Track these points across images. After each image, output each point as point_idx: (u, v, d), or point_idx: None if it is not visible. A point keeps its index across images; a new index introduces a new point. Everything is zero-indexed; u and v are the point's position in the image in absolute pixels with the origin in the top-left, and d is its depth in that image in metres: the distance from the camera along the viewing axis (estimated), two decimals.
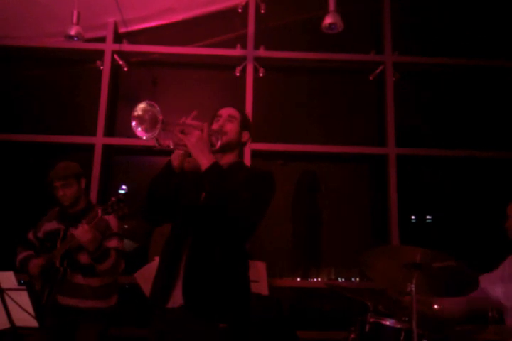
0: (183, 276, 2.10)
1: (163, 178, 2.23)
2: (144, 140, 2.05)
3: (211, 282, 2.09)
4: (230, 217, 2.05)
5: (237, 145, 2.40)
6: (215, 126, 2.32)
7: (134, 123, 2.01)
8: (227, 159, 2.35)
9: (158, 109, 1.96)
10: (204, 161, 2.06)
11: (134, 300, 3.57)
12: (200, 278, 2.09)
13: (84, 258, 3.11)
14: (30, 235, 3.40)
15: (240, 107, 2.48)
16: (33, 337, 3.08)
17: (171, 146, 2.10)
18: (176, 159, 2.19)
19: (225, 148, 2.31)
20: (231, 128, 2.35)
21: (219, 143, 2.22)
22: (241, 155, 2.45)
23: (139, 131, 2.01)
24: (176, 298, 2.08)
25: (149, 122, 1.98)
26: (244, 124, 2.41)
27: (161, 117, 1.94)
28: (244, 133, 2.41)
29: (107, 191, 4.82)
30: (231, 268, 2.16)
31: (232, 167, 2.32)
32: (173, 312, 2.09)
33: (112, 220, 3.21)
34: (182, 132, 2.07)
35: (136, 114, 2.01)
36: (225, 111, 2.40)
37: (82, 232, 2.90)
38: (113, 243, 3.15)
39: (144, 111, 2.00)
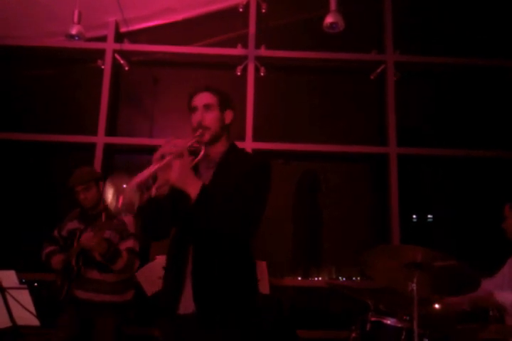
0: (191, 282, 2.07)
1: (153, 214, 2.12)
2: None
3: (221, 286, 2.06)
4: (230, 230, 2.03)
5: (224, 131, 2.25)
6: (193, 122, 2.20)
7: (120, 202, 1.83)
8: (218, 148, 2.24)
9: (120, 181, 1.82)
10: (191, 190, 1.96)
11: (135, 300, 3.57)
12: (210, 283, 2.06)
13: (99, 256, 3.23)
14: (55, 232, 3.56)
15: (214, 87, 2.30)
16: (53, 330, 3.23)
17: (154, 192, 1.98)
18: (161, 189, 2.02)
19: (212, 141, 2.20)
20: (211, 119, 2.19)
21: (202, 152, 2.12)
22: (230, 136, 2.31)
23: (127, 210, 1.86)
24: (187, 305, 2.06)
25: (129, 195, 1.82)
26: (223, 105, 2.25)
27: (124, 186, 1.81)
28: (226, 115, 2.25)
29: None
30: (239, 270, 2.13)
31: (225, 157, 2.23)
32: (184, 318, 2.07)
33: (128, 221, 3.34)
34: (161, 170, 1.94)
35: (114, 195, 1.84)
36: (200, 101, 2.22)
37: (87, 239, 3.08)
38: (128, 243, 3.29)
39: (115, 191, 1.84)
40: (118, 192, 1.81)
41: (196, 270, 2.08)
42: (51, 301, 3.25)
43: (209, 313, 2.04)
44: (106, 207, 3.34)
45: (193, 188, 1.96)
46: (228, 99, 2.29)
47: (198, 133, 2.14)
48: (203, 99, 2.23)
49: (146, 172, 1.89)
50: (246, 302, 2.12)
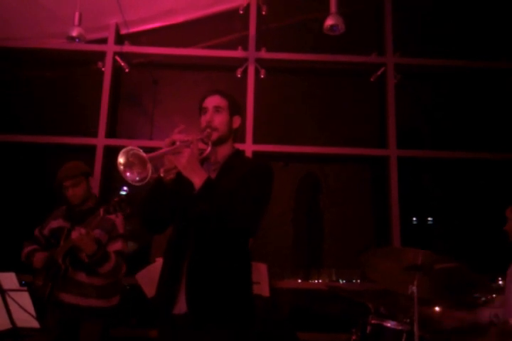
0: (185, 282, 2.08)
1: (157, 198, 2.16)
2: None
3: (214, 288, 2.07)
4: (230, 225, 2.04)
5: (230, 135, 2.31)
6: (202, 122, 2.25)
7: (128, 174, 1.87)
8: (223, 151, 2.29)
9: (136, 149, 1.85)
10: (196, 180, 2.00)
11: (135, 301, 3.57)
12: (204, 284, 2.07)
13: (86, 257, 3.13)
14: (36, 232, 3.45)
15: (226, 92, 2.36)
16: (37, 334, 3.05)
17: (162, 174, 2.06)
18: (168, 174, 2.10)
19: (218, 142, 2.25)
20: (220, 121, 2.25)
21: (209, 149, 2.17)
22: (235, 140, 2.37)
23: (135, 178, 1.87)
24: (181, 305, 2.06)
25: (138, 165, 1.86)
26: (233, 110, 2.30)
27: (144, 155, 1.83)
28: (234, 119, 2.31)
29: (108, 192, 4.82)
30: (234, 272, 2.13)
31: (229, 160, 2.28)
32: (179, 318, 2.07)
33: (118, 221, 3.24)
34: (172, 154, 2.01)
35: (121, 166, 1.88)
36: (211, 102, 2.28)
37: (79, 237, 2.93)
38: (117, 246, 3.19)
39: (126, 157, 1.88)
40: (129, 156, 1.86)
41: (192, 271, 2.09)
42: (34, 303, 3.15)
43: (200, 314, 2.04)
44: (96, 205, 3.27)
45: (198, 178, 2.00)
46: (238, 105, 2.36)
47: (206, 132, 2.19)
48: (213, 101, 2.28)
49: (155, 153, 1.94)
50: (239, 304, 2.12)
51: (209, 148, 2.17)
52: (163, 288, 2.18)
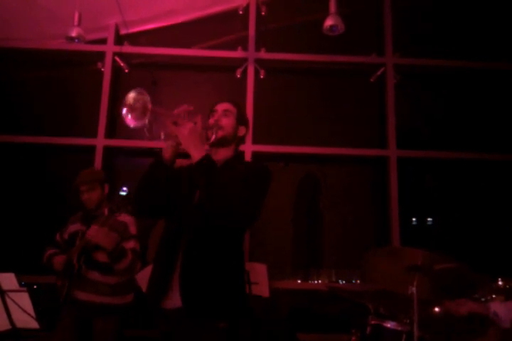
0: (179, 277, 2.08)
1: (154, 174, 2.19)
2: (144, 138, 2.03)
3: (208, 282, 2.08)
4: (226, 213, 2.05)
5: (233, 140, 2.36)
6: (210, 121, 2.30)
7: (124, 111, 1.96)
8: (224, 154, 2.32)
9: (148, 97, 1.92)
10: (195, 154, 2.03)
11: (134, 302, 3.56)
12: (197, 279, 2.08)
13: (101, 257, 3.25)
14: (57, 236, 3.58)
15: (238, 102, 2.45)
16: (52, 331, 3.22)
17: (162, 137, 2.09)
18: (167, 151, 2.16)
19: (221, 143, 2.29)
20: (227, 123, 2.32)
21: (213, 137, 2.21)
22: (237, 150, 2.41)
23: (128, 118, 1.96)
24: (175, 299, 2.07)
25: (139, 110, 1.93)
26: (240, 119, 2.38)
27: (150, 106, 1.89)
28: (240, 128, 2.37)
29: (109, 192, 4.81)
30: (228, 267, 2.15)
31: (229, 162, 2.30)
32: (172, 313, 2.09)
33: (130, 223, 3.36)
34: (174, 123, 2.03)
35: (127, 102, 1.97)
36: (221, 106, 2.37)
37: (94, 233, 3.08)
38: (130, 244, 3.29)
39: (135, 99, 1.95)
40: (136, 100, 1.94)
41: (185, 265, 2.09)
42: (52, 303, 3.23)
43: (195, 308, 2.05)
44: (107, 204, 3.38)
45: (198, 152, 2.03)
46: (245, 117, 2.44)
47: (211, 123, 2.26)
48: (224, 106, 2.37)
49: (162, 110, 2.01)
50: (234, 298, 2.13)
51: (212, 137, 2.21)
52: (156, 282, 2.19)
